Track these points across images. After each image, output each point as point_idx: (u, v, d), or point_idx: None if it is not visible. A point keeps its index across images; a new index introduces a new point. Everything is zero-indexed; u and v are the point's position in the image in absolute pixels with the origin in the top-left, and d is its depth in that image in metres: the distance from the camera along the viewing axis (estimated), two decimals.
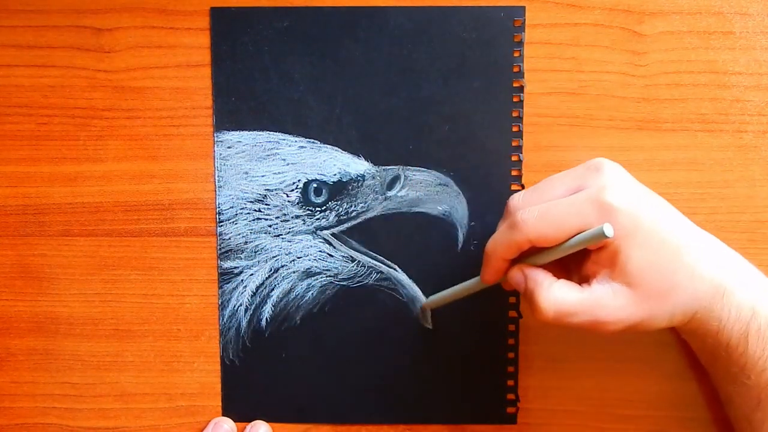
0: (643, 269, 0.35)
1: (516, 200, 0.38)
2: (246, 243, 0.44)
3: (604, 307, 0.36)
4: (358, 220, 0.44)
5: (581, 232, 0.35)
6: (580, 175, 0.37)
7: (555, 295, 0.36)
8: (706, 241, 0.38)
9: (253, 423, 0.44)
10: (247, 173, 0.44)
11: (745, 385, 0.37)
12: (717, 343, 0.37)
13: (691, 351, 0.44)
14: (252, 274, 0.44)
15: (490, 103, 0.43)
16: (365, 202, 0.44)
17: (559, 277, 0.37)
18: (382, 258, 0.44)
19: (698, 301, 0.36)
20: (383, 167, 0.43)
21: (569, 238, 0.35)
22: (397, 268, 0.44)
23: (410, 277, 0.44)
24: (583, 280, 0.37)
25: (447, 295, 0.42)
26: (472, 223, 0.44)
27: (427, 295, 0.44)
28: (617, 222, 0.35)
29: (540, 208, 0.36)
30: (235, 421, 0.45)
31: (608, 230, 0.34)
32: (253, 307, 0.44)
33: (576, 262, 0.38)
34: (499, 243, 0.38)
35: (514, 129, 0.43)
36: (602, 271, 0.36)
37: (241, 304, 0.44)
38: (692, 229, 0.37)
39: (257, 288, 0.44)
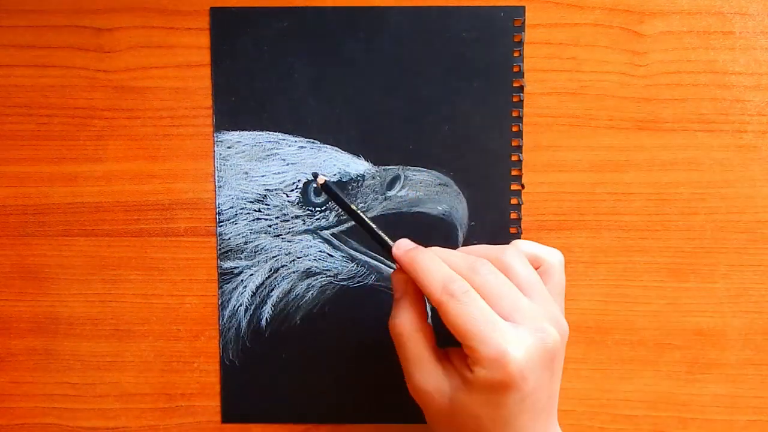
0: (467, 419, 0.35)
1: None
2: (246, 243, 0.44)
3: (423, 373, 0.36)
4: None
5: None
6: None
7: (409, 319, 0.37)
8: None
9: None
10: (247, 173, 0.44)
11: None
12: None
13: (691, 351, 0.44)
14: (252, 274, 0.44)
15: (490, 103, 0.43)
16: (365, 202, 0.44)
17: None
18: (382, 258, 0.44)
19: None
20: (383, 167, 0.43)
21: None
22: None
23: None
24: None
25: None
26: (472, 223, 0.44)
27: None
28: (506, 369, 0.33)
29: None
30: (234, 422, 0.45)
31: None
32: (253, 307, 0.44)
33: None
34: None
35: (514, 129, 0.43)
36: (464, 370, 0.35)
37: (241, 304, 0.44)
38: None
39: (257, 288, 0.44)
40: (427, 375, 0.36)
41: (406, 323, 0.37)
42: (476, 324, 0.34)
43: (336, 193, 0.41)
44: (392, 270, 0.43)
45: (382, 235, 0.39)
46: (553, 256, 0.39)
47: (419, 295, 0.37)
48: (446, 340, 0.37)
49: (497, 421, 0.35)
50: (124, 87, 0.44)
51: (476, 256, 0.37)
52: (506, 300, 0.35)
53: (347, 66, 0.43)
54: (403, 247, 0.38)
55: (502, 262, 0.36)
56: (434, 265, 0.36)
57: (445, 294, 0.35)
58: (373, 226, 0.39)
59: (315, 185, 0.42)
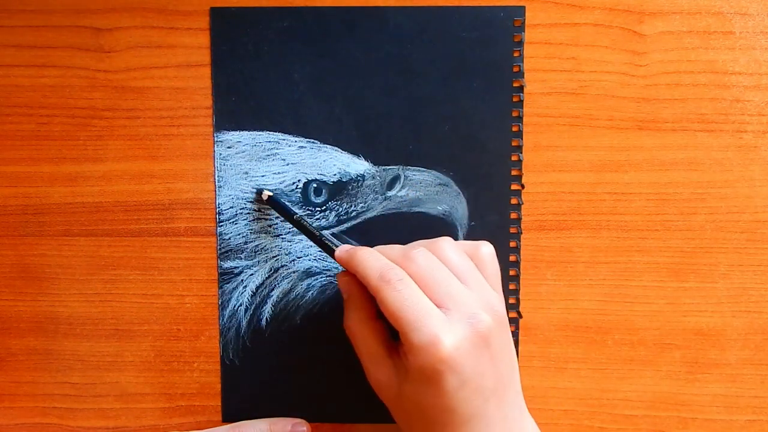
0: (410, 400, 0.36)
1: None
2: (246, 243, 0.44)
3: (373, 358, 0.38)
4: (358, 220, 0.44)
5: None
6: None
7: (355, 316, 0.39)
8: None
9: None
10: (247, 173, 0.44)
11: None
12: None
13: (691, 351, 0.44)
14: (252, 274, 0.44)
15: (490, 103, 0.43)
16: (365, 202, 0.44)
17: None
18: None
19: None
20: (383, 167, 0.43)
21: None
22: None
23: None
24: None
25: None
26: (472, 223, 0.44)
27: None
28: (444, 360, 0.34)
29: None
30: (234, 422, 0.45)
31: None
32: (253, 307, 0.44)
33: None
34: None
35: (514, 129, 0.43)
36: (404, 359, 0.36)
37: (241, 304, 0.44)
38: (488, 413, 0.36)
39: (257, 288, 0.44)
40: (379, 368, 0.38)
41: (354, 322, 0.38)
42: (409, 311, 0.35)
43: (282, 205, 0.43)
44: None
45: (327, 242, 0.40)
46: (483, 247, 0.39)
47: (365, 294, 0.38)
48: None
49: (441, 408, 0.35)
50: (124, 87, 0.44)
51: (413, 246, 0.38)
52: (440, 286, 0.36)
53: (347, 66, 0.43)
54: (344, 248, 0.39)
55: (436, 252, 0.37)
56: (371, 257, 0.37)
57: (381, 281, 0.36)
58: (318, 233, 0.41)
59: (263, 198, 0.43)
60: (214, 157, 0.44)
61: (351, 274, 0.39)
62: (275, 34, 0.43)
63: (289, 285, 0.44)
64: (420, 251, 0.37)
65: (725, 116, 0.43)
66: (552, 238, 0.44)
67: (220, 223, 0.44)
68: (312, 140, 0.43)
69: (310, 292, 0.44)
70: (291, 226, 0.44)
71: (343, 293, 0.40)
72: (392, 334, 0.38)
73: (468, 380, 0.34)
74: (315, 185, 0.44)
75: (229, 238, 0.44)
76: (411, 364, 0.35)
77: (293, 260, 0.44)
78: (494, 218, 0.44)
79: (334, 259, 0.39)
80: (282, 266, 0.44)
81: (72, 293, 0.45)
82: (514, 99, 0.43)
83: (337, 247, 0.40)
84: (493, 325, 0.35)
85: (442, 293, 0.36)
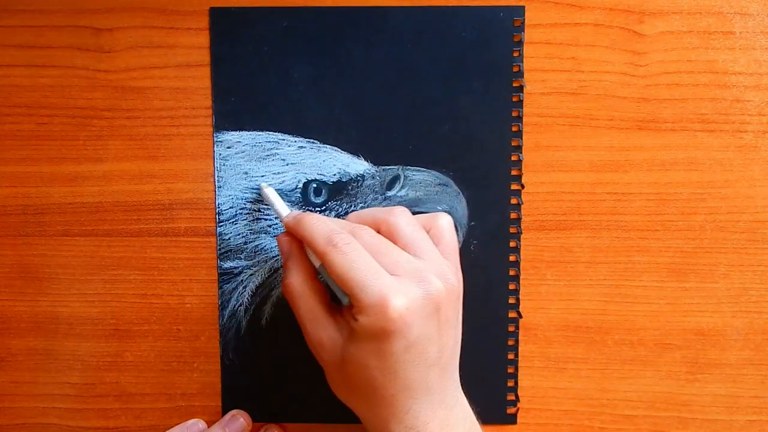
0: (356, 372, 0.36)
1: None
2: (246, 243, 0.44)
3: (319, 325, 0.37)
4: None
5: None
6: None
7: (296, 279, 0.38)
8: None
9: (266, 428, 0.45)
10: (247, 173, 0.44)
11: None
12: None
13: (691, 351, 0.44)
14: (252, 274, 0.44)
15: (490, 103, 0.43)
16: (365, 202, 0.44)
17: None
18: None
19: None
20: (383, 167, 0.43)
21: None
22: None
23: None
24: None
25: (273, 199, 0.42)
26: (472, 223, 0.44)
27: None
28: (387, 318, 0.34)
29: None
30: None
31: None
32: (253, 307, 0.44)
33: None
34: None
35: (514, 129, 0.43)
36: (351, 320, 0.35)
37: (241, 304, 0.44)
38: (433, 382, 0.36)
39: (257, 288, 0.44)
40: (320, 328, 0.37)
41: (295, 282, 0.38)
42: (358, 272, 0.34)
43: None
44: None
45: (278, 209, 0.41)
46: (440, 219, 0.39)
47: (304, 255, 0.38)
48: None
49: (385, 371, 0.35)
50: (124, 87, 0.44)
51: (361, 221, 0.38)
52: (388, 256, 0.36)
53: (347, 66, 0.43)
54: (291, 213, 0.39)
55: (389, 223, 0.37)
56: (319, 222, 0.37)
57: (329, 245, 0.35)
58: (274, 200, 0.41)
59: (314, 186, 0.42)
60: (213, 157, 0.44)
61: (290, 234, 0.38)
62: (275, 34, 0.43)
63: None
64: (365, 229, 0.37)
65: (725, 116, 0.43)
66: (552, 238, 0.44)
67: (220, 223, 0.44)
68: (312, 140, 0.43)
69: None
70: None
71: (283, 254, 0.39)
72: (333, 299, 0.38)
73: (414, 344, 0.34)
74: (315, 185, 0.44)
75: (229, 238, 0.44)
76: (360, 323, 0.34)
77: None
78: (494, 218, 0.44)
79: (282, 223, 0.40)
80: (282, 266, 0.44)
81: (72, 293, 0.45)
82: (514, 99, 0.43)
83: (284, 214, 0.40)
84: (444, 292, 0.35)
85: (391, 261, 0.35)
